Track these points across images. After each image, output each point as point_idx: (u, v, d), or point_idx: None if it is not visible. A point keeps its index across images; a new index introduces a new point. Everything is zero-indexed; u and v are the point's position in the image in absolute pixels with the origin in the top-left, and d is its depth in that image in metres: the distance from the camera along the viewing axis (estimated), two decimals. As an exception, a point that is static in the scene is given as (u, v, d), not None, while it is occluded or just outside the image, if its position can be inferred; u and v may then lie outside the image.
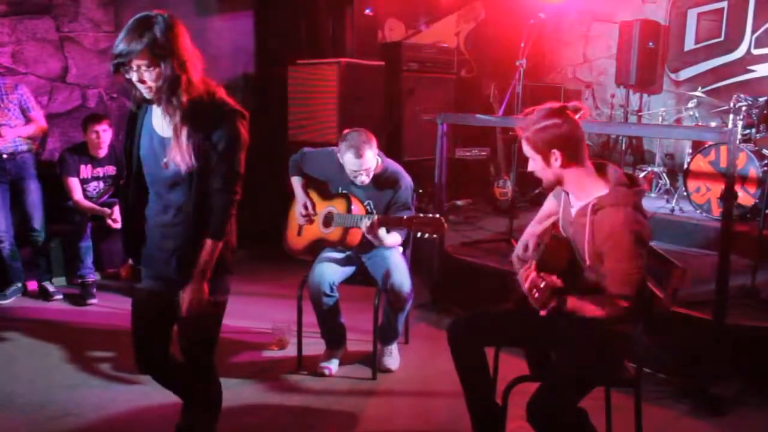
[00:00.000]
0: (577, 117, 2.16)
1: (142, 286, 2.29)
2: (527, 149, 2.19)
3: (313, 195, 3.45)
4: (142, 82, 1.97)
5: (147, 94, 2.01)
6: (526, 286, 1.97)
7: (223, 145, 2.05)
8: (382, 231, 3.12)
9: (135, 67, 1.95)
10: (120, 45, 1.94)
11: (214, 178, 2.08)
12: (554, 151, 2.12)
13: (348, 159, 3.15)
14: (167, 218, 2.15)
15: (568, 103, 2.19)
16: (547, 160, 2.15)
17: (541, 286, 1.92)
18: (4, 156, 4.22)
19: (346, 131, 3.23)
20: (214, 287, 2.16)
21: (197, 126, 2.02)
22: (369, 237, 3.10)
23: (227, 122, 2.06)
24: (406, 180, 3.33)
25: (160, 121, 2.11)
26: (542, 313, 1.98)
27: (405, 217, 3.03)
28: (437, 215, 2.93)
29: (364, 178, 3.20)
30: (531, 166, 2.23)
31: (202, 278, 2.10)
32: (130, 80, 1.99)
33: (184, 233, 2.13)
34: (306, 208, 3.38)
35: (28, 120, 4.29)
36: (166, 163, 2.06)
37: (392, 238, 3.23)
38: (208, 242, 2.08)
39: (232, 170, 2.09)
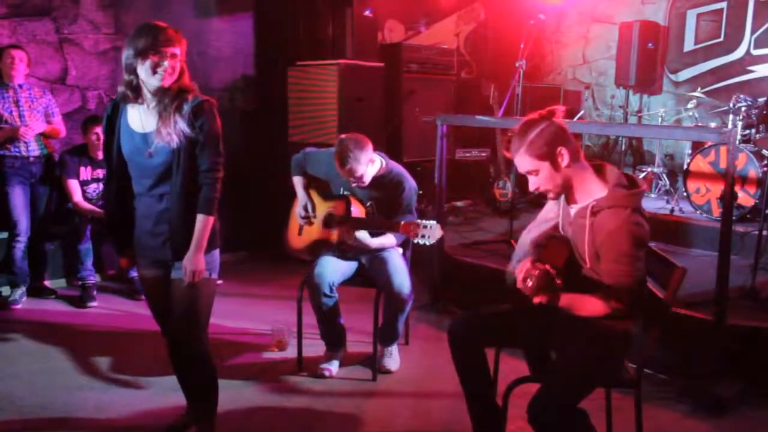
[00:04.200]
0: (556, 118, 2.15)
1: (145, 274, 2.52)
2: (529, 163, 2.13)
3: (315, 195, 3.45)
4: (172, 67, 2.23)
5: (160, 81, 2.23)
6: (521, 276, 1.96)
7: (206, 129, 2.29)
8: (362, 234, 3.12)
9: (170, 54, 2.21)
10: (165, 32, 2.22)
11: (201, 160, 2.32)
12: (560, 149, 2.09)
13: (336, 167, 3.16)
14: (161, 206, 2.36)
15: (542, 111, 2.15)
16: (554, 163, 2.11)
17: (535, 274, 1.91)
18: (31, 158, 4.35)
19: (342, 136, 3.22)
20: (207, 263, 2.38)
21: (182, 114, 2.26)
22: (348, 241, 3.11)
23: (207, 110, 2.30)
24: (410, 183, 3.32)
25: (138, 120, 2.33)
26: (535, 300, 1.96)
27: (402, 222, 3.02)
28: (434, 221, 2.94)
29: (359, 183, 3.20)
30: (534, 182, 2.17)
31: (198, 250, 2.33)
32: (157, 64, 2.21)
33: (175, 214, 2.34)
34: (306, 209, 3.39)
35: (49, 125, 4.47)
36: (150, 152, 2.29)
37: (380, 240, 3.23)
38: (201, 217, 2.33)
39: (215, 150, 2.33)
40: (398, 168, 3.37)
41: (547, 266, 1.93)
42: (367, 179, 3.20)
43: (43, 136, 4.42)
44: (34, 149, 4.36)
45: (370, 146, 3.16)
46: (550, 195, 2.22)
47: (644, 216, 2.10)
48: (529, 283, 1.93)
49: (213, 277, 2.45)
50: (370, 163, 3.17)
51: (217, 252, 2.47)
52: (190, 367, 2.50)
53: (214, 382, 2.53)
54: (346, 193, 3.32)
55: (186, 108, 2.26)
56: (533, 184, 2.18)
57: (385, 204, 3.28)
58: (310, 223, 3.39)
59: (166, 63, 2.21)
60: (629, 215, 2.04)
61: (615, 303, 2.00)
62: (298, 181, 3.45)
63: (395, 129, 5.82)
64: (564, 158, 2.10)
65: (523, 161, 2.14)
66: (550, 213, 2.45)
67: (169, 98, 2.26)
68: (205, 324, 2.47)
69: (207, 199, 2.32)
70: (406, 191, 3.28)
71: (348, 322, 3.48)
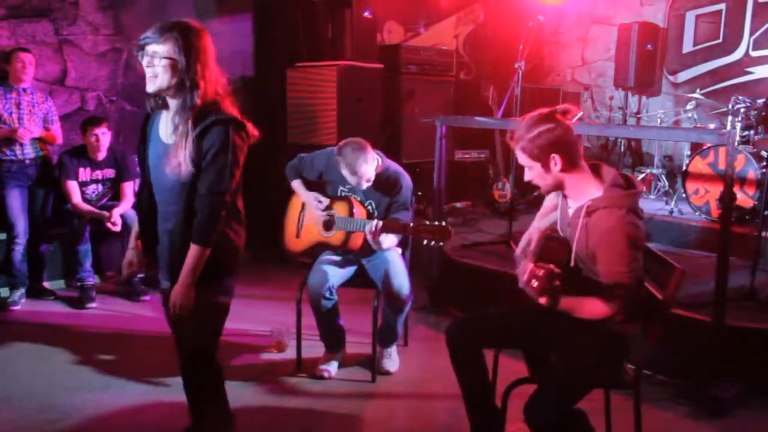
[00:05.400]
0: (567, 119, 2.16)
1: (163, 284, 2.34)
2: (524, 159, 2.17)
3: (314, 198, 3.44)
4: (152, 67, 2.01)
5: (152, 86, 2.04)
6: (525, 278, 1.98)
7: (213, 152, 2.06)
8: (383, 235, 3.12)
9: (150, 53, 2.00)
10: (151, 29, 2.01)
11: (200, 183, 2.08)
12: (553, 156, 2.11)
13: (345, 174, 3.16)
14: (170, 224, 2.19)
15: (557, 107, 2.17)
16: (546, 166, 2.14)
17: (540, 274, 1.93)
18: (27, 161, 4.36)
19: (342, 143, 3.21)
20: (213, 290, 2.18)
21: (192, 139, 2.04)
22: (370, 241, 3.09)
23: (219, 129, 2.05)
24: (407, 180, 3.33)
25: (165, 129, 2.16)
26: (541, 301, 1.99)
27: (411, 224, 3.03)
28: (443, 223, 2.94)
29: (366, 185, 3.21)
30: (528, 175, 2.21)
31: (187, 282, 2.10)
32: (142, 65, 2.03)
33: (176, 238, 2.15)
34: (321, 201, 3.31)
35: (47, 131, 4.48)
36: (166, 168, 2.10)
37: (389, 241, 3.23)
38: (193, 247, 2.09)
39: (219, 176, 2.07)
40: (394, 166, 3.37)
41: (551, 265, 1.96)
42: (372, 179, 3.22)
43: (39, 141, 4.43)
44: (29, 152, 4.36)
45: (369, 147, 3.19)
46: (542, 190, 2.27)
47: (640, 216, 2.10)
48: (535, 284, 1.94)
49: (220, 302, 2.23)
50: (373, 162, 3.20)
51: (229, 280, 2.26)
52: (194, 387, 2.36)
53: (225, 403, 2.38)
54: (346, 194, 3.32)
55: (198, 129, 2.04)
56: (527, 176, 2.23)
57: (384, 202, 3.29)
58: (330, 217, 3.31)
59: (144, 63, 2.02)
60: (624, 215, 2.05)
61: (612, 304, 2.01)
62: (298, 184, 3.43)
63: (394, 130, 5.82)
64: (556, 164, 2.12)
65: (519, 155, 2.20)
66: (552, 204, 2.45)
67: (181, 119, 2.05)
68: (208, 349, 2.28)
69: (201, 225, 2.08)
70: (403, 189, 3.29)
71: (347, 323, 3.48)
